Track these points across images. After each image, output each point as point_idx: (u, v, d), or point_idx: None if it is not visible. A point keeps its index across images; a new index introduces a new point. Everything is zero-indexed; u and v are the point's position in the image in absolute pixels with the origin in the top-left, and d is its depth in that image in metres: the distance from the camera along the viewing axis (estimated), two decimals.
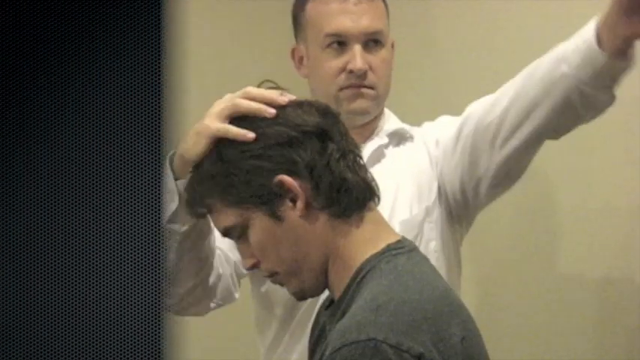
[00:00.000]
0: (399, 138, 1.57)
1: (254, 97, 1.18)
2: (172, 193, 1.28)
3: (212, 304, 1.48)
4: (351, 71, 1.47)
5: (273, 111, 1.15)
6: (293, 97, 1.19)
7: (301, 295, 1.21)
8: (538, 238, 1.98)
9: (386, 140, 1.56)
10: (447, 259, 1.53)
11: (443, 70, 2.30)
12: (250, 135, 1.14)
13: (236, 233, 1.18)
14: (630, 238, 1.82)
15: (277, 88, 1.21)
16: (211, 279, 1.43)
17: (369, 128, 1.55)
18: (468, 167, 1.46)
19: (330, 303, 1.20)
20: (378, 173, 1.45)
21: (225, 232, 1.19)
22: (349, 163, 1.16)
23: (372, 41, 1.49)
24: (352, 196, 1.14)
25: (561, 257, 1.95)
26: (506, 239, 2.05)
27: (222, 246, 1.45)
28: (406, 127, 1.59)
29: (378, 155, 1.54)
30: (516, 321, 2.03)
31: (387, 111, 1.61)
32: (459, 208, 1.52)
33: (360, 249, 1.14)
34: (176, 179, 1.27)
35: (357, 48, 1.47)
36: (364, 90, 1.49)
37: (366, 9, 1.49)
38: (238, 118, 1.17)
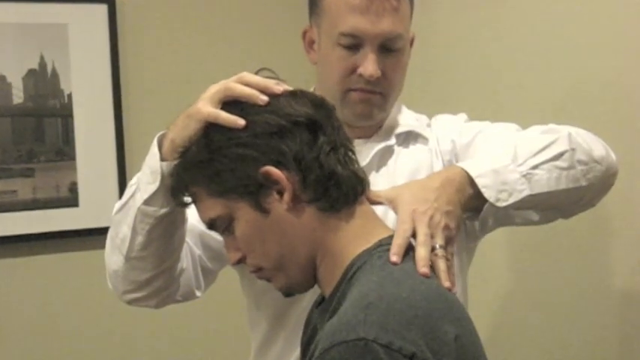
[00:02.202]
0: (409, 138, 1.52)
1: (248, 82, 1.17)
2: (155, 173, 1.24)
3: (170, 299, 1.43)
4: (361, 75, 1.40)
5: (265, 98, 1.14)
6: (289, 88, 1.18)
7: (288, 291, 1.20)
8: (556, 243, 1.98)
9: (393, 141, 1.50)
10: (460, 270, 1.49)
11: (443, 61, 2.30)
12: (240, 122, 1.12)
13: (221, 225, 1.16)
14: None
15: (275, 78, 1.20)
16: (175, 272, 1.39)
17: (374, 125, 1.51)
18: None
19: (321, 300, 1.19)
20: (385, 175, 1.44)
21: (210, 224, 1.18)
22: (340, 157, 1.14)
23: (389, 45, 1.41)
24: (341, 189, 1.13)
25: (581, 266, 1.93)
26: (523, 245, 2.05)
27: (188, 239, 1.41)
28: (418, 128, 1.53)
29: (384, 156, 1.49)
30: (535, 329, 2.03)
31: (403, 108, 1.56)
32: (470, 223, 1.48)
33: (351, 244, 1.12)
34: (162, 160, 1.24)
35: (372, 52, 1.39)
36: (372, 96, 1.42)
37: (389, 9, 1.39)
38: (230, 104, 1.16)
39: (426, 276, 1.08)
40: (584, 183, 1.36)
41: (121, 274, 1.36)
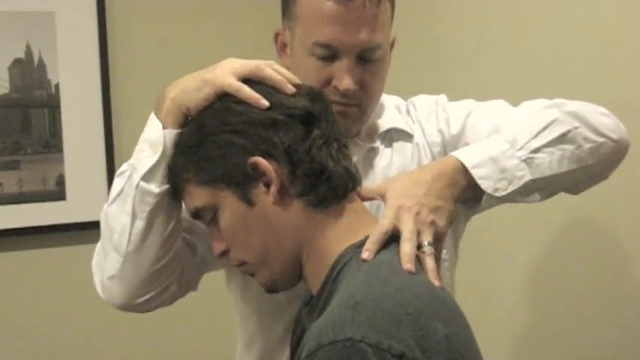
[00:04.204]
0: (391, 135, 1.47)
1: (277, 70, 1.19)
2: (157, 144, 1.21)
3: (175, 296, 1.36)
4: (337, 87, 1.33)
5: (292, 88, 1.17)
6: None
7: (271, 287, 1.20)
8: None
9: (377, 143, 1.46)
10: (451, 267, 1.48)
11: (441, 48, 2.31)
12: (264, 102, 1.14)
13: (206, 215, 1.17)
14: None
15: None
16: (177, 266, 1.32)
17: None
18: None
19: (310, 299, 1.19)
20: (371, 179, 1.41)
21: (196, 214, 1.18)
22: (332, 152, 1.15)
23: (368, 56, 1.34)
24: (331, 185, 1.14)
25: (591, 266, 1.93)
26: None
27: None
28: (401, 124, 1.47)
29: (370, 158, 1.45)
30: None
31: (382, 100, 1.49)
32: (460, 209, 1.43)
33: (338, 241, 1.13)
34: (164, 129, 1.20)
35: (348, 64, 1.32)
36: (349, 109, 1.35)
37: (369, 18, 1.32)
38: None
39: (410, 272, 1.07)
40: (590, 161, 1.32)
41: (118, 277, 1.29)
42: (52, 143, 2.45)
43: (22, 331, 2.47)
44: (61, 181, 2.46)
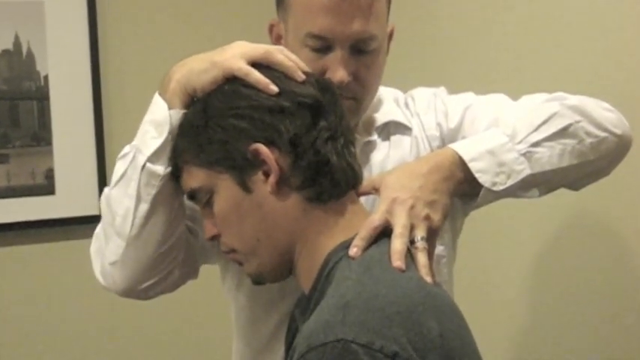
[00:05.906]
0: (389, 128, 1.47)
1: (288, 56, 1.19)
2: (161, 125, 1.21)
3: (177, 283, 1.36)
4: (330, 80, 1.30)
5: (302, 75, 1.17)
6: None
7: (257, 279, 1.20)
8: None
9: (375, 136, 1.46)
10: (449, 263, 1.49)
11: (441, 39, 2.31)
12: (273, 87, 1.14)
13: (202, 197, 1.17)
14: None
15: None
16: (181, 251, 1.32)
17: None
18: None
19: (303, 298, 1.19)
20: (368, 173, 1.40)
21: (191, 195, 1.18)
22: (338, 146, 1.14)
23: (362, 47, 1.34)
24: (332, 180, 1.13)
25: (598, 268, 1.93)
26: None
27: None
28: (399, 117, 1.47)
29: (367, 152, 1.44)
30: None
31: (380, 93, 1.48)
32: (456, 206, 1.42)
33: (332, 238, 1.12)
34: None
35: (342, 55, 1.32)
36: (344, 102, 1.29)
37: (362, 7, 1.31)
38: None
39: (400, 270, 1.06)
40: (592, 157, 1.32)
41: (120, 263, 1.28)
42: (41, 136, 2.44)
43: (10, 328, 2.47)
44: (50, 175, 2.45)
